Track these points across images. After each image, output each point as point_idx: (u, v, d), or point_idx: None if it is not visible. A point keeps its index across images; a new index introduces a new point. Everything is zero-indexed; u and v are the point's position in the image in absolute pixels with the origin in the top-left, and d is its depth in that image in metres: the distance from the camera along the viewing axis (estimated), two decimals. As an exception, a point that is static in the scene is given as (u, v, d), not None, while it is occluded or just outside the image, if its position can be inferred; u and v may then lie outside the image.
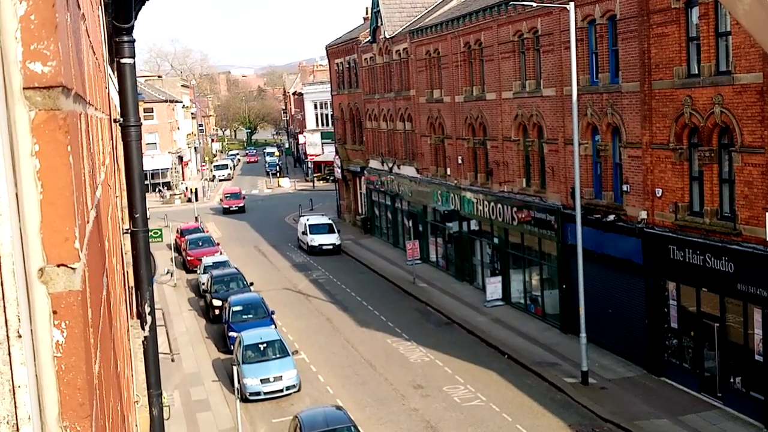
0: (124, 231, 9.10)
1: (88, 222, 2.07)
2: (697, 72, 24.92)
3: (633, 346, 29.11)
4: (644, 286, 28.11)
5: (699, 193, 25.56)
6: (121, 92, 8.03)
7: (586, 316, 28.19)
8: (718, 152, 24.49)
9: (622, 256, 29.00)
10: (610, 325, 30.24)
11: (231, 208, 75.94)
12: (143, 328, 8.36)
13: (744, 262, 23.14)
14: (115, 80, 8.83)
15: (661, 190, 26.78)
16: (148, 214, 9.10)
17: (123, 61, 7.98)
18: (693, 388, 26.25)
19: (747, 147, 22.82)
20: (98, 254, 2.64)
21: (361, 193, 63.23)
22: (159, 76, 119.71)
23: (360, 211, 63.80)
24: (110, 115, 8.29)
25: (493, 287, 38.57)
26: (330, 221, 57.19)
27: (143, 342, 8.48)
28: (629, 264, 28.64)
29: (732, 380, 24.87)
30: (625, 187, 28.70)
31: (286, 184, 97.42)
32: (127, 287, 8.82)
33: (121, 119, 8.14)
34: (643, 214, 27.62)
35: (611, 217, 29.41)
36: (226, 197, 78.28)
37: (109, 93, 8.89)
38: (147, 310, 8.40)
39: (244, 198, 78.13)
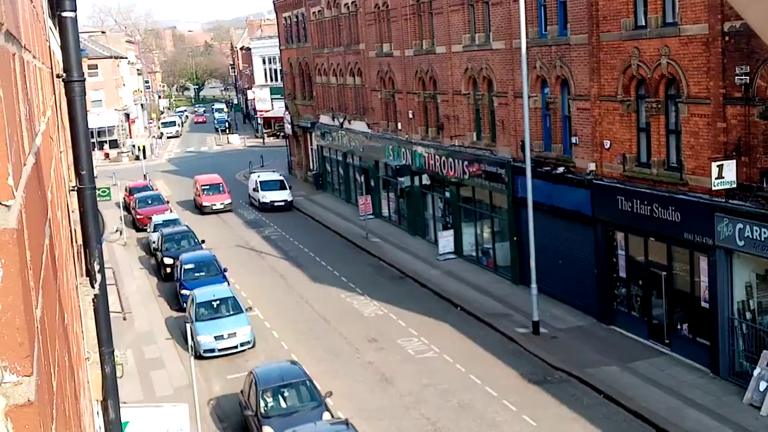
0: (71, 188, 8.95)
1: (24, 164, 2.01)
2: (644, 24, 25.06)
3: (583, 296, 29.58)
4: (593, 237, 28.50)
5: (646, 144, 25.86)
6: (63, 47, 7.82)
7: (536, 268, 28.53)
8: (665, 103, 24.76)
9: (571, 208, 29.32)
10: (561, 275, 30.67)
11: (214, 207, 53.56)
12: (93, 286, 8.26)
13: (690, 211, 23.54)
14: (57, 35, 8.61)
15: (609, 141, 27.05)
16: (95, 172, 8.96)
17: (64, 14, 7.77)
18: (641, 336, 26.81)
19: (693, 98, 23.10)
20: (39, 201, 2.58)
21: (312, 148, 62.92)
22: (103, 32, 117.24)
23: (311, 166, 63.55)
24: (52, 70, 8.10)
25: (445, 241, 38.81)
26: (281, 177, 56.93)
27: (93, 300, 8.38)
28: (579, 215, 28.98)
29: (679, 327, 25.45)
30: (574, 140, 28.93)
31: (236, 141, 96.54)
32: (75, 244, 8.69)
33: (64, 74, 7.95)
34: (592, 166, 27.90)
35: (561, 170, 29.66)
36: (204, 190, 54.59)
37: (50, 47, 8.67)
38: (96, 267, 8.29)
39: (229, 192, 55.04)
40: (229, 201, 53.99)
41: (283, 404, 22.22)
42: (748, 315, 22.85)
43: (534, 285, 28.27)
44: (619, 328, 27.91)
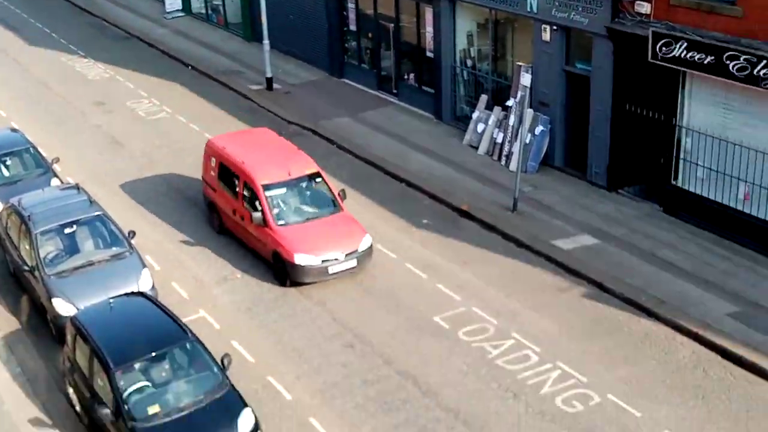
0: None
1: None
2: None
3: (315, 51, 29.65)
4: (324, -10, 28.23)
5: None
6: None
7: (268, 24, 28.03)
8: None
9: (301, -40, 28.65)
10: (293, 31, 30.41)
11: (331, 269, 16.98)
12: None
13: (416, -40, 23.73)
14: None
15: None
16: None
17: None
18: (371, 87, 27.58)
19: None
20: None
21: None
22: None
23: None
24: None
25: (172, -2, 37.03)
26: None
27: None
28: (309, -33, 28.43)
29: (406, 77, 26.36)
30: None
31: None
32: None
33: None
34: None
35: None
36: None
37: None
38: None
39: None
40: (353, 264, 17.45)
41: (6, 173, 20.93)
42: (469, 62, 24.02)
43: (266, 41, 27.87)
44: (350, 80, 28.49)
